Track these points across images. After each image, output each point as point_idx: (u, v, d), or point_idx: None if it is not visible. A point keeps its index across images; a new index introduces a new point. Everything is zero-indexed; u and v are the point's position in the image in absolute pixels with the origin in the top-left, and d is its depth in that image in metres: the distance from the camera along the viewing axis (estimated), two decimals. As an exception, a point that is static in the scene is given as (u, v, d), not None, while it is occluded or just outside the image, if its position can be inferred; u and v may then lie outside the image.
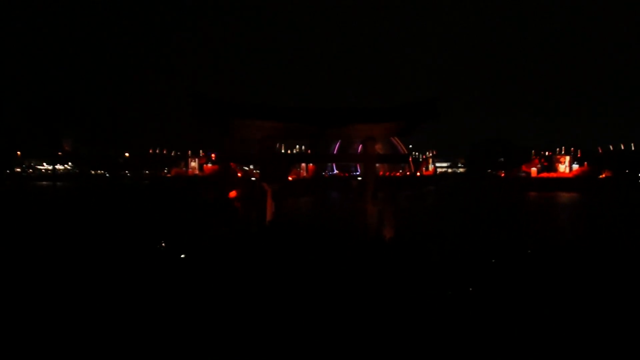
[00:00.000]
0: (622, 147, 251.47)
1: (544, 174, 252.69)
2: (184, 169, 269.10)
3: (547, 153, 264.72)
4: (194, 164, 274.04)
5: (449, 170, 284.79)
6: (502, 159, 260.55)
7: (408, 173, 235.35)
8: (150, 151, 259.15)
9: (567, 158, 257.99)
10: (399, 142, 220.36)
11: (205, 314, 17.74)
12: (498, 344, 16.26)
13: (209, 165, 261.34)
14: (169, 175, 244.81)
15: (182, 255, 25.64)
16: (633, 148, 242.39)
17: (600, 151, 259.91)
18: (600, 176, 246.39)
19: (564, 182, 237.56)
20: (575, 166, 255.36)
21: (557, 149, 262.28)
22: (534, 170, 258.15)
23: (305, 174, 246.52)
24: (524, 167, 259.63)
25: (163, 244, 28.86)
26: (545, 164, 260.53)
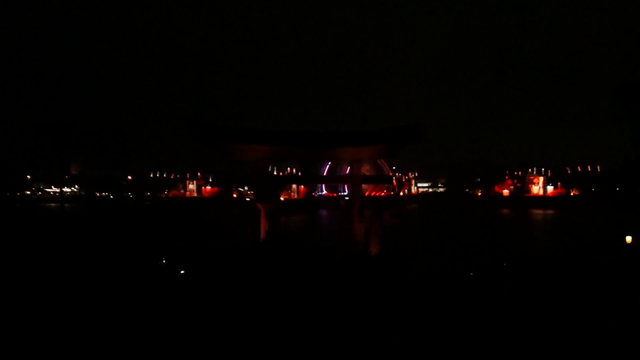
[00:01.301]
0: (589, 169, 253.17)
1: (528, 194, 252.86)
2: (182, 191, 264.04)
3: (519, 173, 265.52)
4: (192, 186, 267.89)
5: (430, 190, 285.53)
6: (479, 179, 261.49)
7: (392, 193, 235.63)
8: (151, 175, 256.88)
9: (541, 179, 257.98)
10: (384, 163, 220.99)
11: (200, 326, 17.65)
12: (473, 347, 16.28)
13: (208, 187, 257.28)
14: (170, 196, 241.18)
15: (182, 271, 25.57)
16: (599, 169, 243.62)
17: (569, 171, 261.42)
18: (570, 194, 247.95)
19: (539, 200, 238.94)
20: (550, 188, 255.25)
21: (530, 169, 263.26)
22: (505, 192, 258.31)
23: (295, 195, 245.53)
24: (496, 188, 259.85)
25: (164, 261, 28.78)
26: (519, 184, 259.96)
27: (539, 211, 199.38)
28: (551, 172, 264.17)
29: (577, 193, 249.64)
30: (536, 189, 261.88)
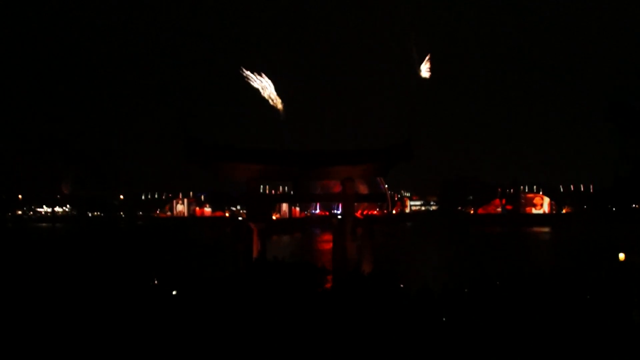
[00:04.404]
0: (582, 188, 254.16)
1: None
2: (169, 213, 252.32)
3: (510, 190, 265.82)
4: (181, 206, 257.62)
5: (422, 208, 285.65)
6: (471, 197, 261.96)
7: (385, 211, 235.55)
8: (143, 197, 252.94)
9: (547, 200, 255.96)
10: (382, 180, 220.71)
11: (193, 348, 17.46)
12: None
13: (207, 209, 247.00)
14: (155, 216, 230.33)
15: (174, 292, 25.33)
16: (591, 190, 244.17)
17: (562, 190, 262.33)
18: (562, 211, 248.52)
19: (532, 218, 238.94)
20: (546, 206, 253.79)
21: (522, 187, 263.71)
22: (499, 210, 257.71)
23: (286, 215, 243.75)
24: (489, 208, 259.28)
25: (155, 282, 28.53)
26: (508, 207, 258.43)
27: (533, 229, 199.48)
28: (543, 190, 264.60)
29: (569, 210, 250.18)
30: (539, 210, 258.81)
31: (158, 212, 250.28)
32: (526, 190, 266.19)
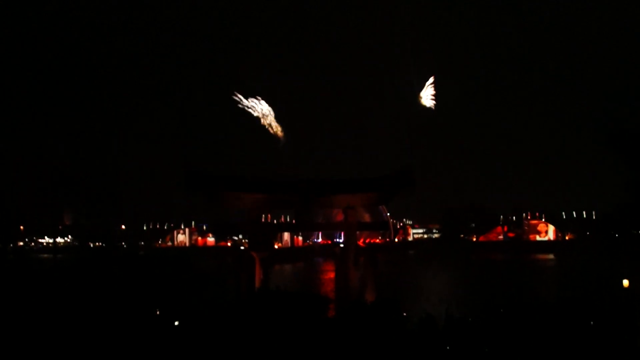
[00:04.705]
0: (584, 215, 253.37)
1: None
2: (169, 243, 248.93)
3: (512, 217, 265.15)
4: (182, 236, 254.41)
5: (425, 236, 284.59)
6: (473, 225, 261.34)
7: (387, 240, 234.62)
8: (145, 228, 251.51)
9: (552, 227, 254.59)
10: (384, 208, 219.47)
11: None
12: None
13: (210, 239, 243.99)
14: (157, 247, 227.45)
15: (176, 322, 25.19)
16: (594, 216, 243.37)
17: (564, 216, 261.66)
18: (565, 238, 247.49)
19: (535, 245, 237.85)
20: (551, 233, 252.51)
21: (524, 214, 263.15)
22: (500, 237, 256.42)
23: (289, 243, 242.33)
24: (490, 236, 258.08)
25: (158, 312, 28.38)
26: (511, 235, 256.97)
27: (536, 256, 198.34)
28: (545, 217, 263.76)
29: (572, 237, 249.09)
30: (544, 237, 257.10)
31: (160, 242, 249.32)
32: (528, 218, 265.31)
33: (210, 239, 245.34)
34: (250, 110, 77.23)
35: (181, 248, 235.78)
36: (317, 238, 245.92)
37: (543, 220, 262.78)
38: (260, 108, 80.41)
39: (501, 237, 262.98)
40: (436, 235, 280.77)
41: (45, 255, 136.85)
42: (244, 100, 77.45)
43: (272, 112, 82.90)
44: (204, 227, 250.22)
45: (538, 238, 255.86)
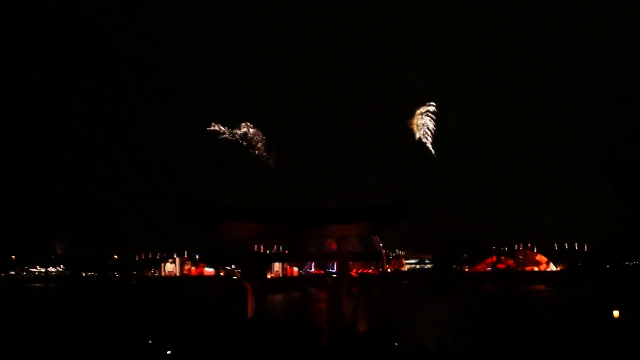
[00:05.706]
0: (576, 246, 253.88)
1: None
2: (156, 274, 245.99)
3: (504, 249, 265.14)
4: (170, 266, 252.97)
5: (417, 266, 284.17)
6: (465, 255, 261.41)
7: (380, 270, 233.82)
8: (137, 258, 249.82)
9: (545, 260, 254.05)
10: (377, 238, 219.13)
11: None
12: None
13: (208, 269, 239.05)
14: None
15: (168, 352, 25.11)
16: (585, 248, 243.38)
17: (556, 248, 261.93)
18: (557, 269, 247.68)
19: (525, 276, 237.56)
20: (553, 265, 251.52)
21: (516, 245, 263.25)
22: (488, 269, 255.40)
23: (280, 273, 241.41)
24: (481, 266, 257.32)
25: (150, 341, 28.26)
26: (501, 267, 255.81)
27: (527, 287, 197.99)
28: (537, 248, 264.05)
29: (563, 268, 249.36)
30: (544, 269, 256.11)
31: (152, 271, 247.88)
32: (521, 249, 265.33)
33: (209, 269, 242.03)
34: (236, 138, 77.13)
35: (171, 278, 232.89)
36: (310, 268, 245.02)
37: (535, 250, 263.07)
38: (249, 136, 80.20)
39: (489, 269, 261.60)
40: (429, 266, 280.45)
41: (37, 285, 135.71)
42: (225, 130, 77.21)
43: (262, 138, 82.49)
44: (197, 257, 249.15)
45: (536, 269, 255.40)
